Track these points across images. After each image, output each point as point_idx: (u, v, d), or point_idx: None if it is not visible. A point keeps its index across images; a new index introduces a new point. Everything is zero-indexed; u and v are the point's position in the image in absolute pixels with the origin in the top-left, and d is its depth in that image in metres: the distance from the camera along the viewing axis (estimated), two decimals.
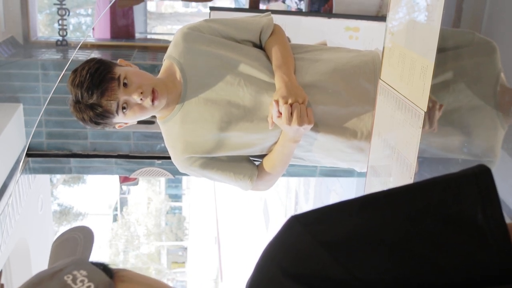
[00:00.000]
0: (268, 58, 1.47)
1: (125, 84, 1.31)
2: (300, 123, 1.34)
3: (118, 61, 1.40)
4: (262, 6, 4.87)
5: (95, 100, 1.28)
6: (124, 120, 1.38)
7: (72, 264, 0.58)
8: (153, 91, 1.34)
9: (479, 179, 0.50)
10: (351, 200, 0.54)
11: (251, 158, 1.57)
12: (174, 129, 1.45)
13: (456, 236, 0.49)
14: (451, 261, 0.48)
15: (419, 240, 0.49)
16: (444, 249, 0.49)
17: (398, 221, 0.51)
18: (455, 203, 0.50)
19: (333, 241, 0.51)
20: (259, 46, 1.53)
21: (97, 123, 1.32)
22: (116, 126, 1.40)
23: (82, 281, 0.55)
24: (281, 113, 1.34)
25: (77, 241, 0.68)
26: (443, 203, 0.50)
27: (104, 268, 0.60)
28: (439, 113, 1.00)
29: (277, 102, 1.35)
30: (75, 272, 0.56)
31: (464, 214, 0.49)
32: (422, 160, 1.03)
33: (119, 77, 1.31)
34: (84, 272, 0.56)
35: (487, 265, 0.48)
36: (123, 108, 1.32)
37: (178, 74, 1.43)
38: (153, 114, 1.43)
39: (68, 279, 0.55)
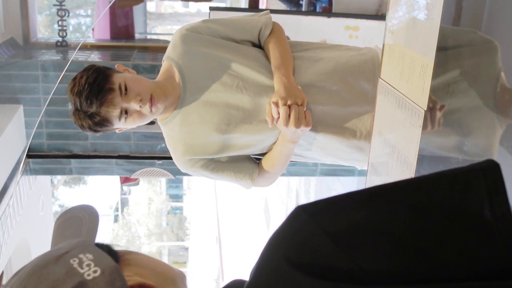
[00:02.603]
0: (267, 58, 1.47)
1: (124, 93, 1.31)
2: (297, 125, 1.34)
3: (115, 66, 1.40)
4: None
5: (94, 109, 1.28)
6: (124, 127, 1.39)
7: (78, 246, 0.57)
8: (150, 98, 1.34)
9: (487, 174, 0.49)
10: (358, 191, 0.53)
11: (251, 156, 1.58)
12: (174, 131, 1.45)
13: (460, 231, 0.48)
14: (453, 256, 0.48)
15: (423, 234, 0.49)
16: (447, 244, 0.48)
17: (403, 214, 0.50)
18: (461, 197, 0.49)
19: (339, 231, 0.50)
20: (259, 45, 1.53)
21: (96, 131, 1.33)
22: (117, 130, 1.41)
23: (88, 265, 0.53)
24: (279, 114, 1.34)
25: (82, 221, 0.66)
26: (449, 197, 0.49)
27: (109, 250, 0.59)
28: (440, 113, 1.00)
29: (275, 104, 1.34)
30: (81, 256, 0.55)
31: (471, 209, 0.48)
32: (421, 157, 1.03)
33: (118, 86, 1.31)
34: (90, 256, 0.55)
35: (489, 261, 0.47)
36: (125, 116, 1.33)
37: (177, 76, 1.43)
38: (153, 118, 1.43)
39: (74, 262, 0.54)
